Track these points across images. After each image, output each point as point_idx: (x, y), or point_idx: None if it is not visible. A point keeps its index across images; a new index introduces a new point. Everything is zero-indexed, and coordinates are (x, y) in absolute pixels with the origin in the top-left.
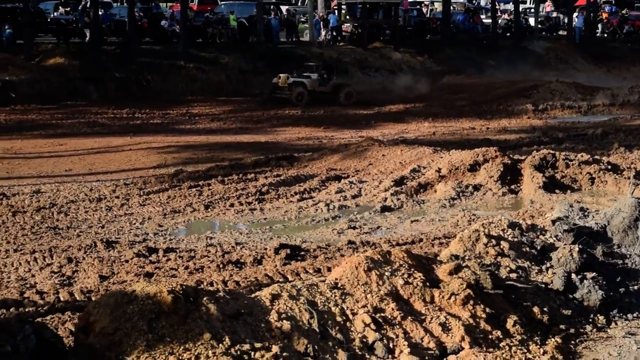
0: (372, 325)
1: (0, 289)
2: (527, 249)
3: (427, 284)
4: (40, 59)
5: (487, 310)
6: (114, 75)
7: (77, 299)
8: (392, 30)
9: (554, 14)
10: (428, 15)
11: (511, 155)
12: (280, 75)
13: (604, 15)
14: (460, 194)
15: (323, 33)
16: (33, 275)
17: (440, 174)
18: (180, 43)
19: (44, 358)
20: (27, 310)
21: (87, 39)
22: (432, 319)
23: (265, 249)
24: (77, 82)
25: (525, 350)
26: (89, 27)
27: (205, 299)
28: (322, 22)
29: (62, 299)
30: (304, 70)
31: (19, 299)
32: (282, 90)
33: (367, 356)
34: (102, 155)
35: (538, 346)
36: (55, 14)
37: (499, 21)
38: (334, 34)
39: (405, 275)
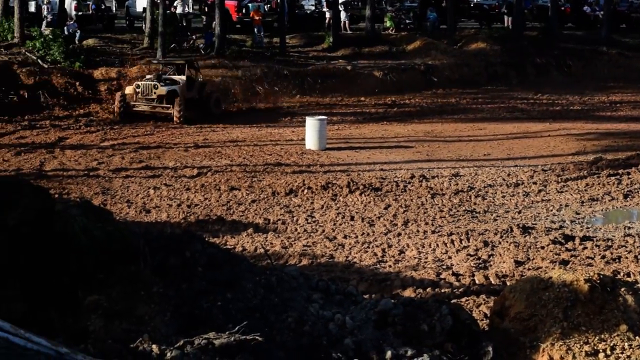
0: None
1: (418, 269)
2: None
3: None
4: (462, 44)
5: None
6: (534, 61)
7: (492, 282)
8: None
9: None
10: None
11: None
12: (140, 83)
13: None
14: None
15: None
16: (449, 257)
17: None
18: (603, 28)
19: (459, 339)
20: (442, 291)
21: (507, 24)
22: None
23: None
24: (497, 67)
25: None
26: (511, 13)
27: (622, 289)
28: None
29: (477, 282)
30: (158, 71)
31: (435, 279)
32: (152, 102)
33: None
34: (520, 140)
35: None
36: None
37: None
38: None
39: None
